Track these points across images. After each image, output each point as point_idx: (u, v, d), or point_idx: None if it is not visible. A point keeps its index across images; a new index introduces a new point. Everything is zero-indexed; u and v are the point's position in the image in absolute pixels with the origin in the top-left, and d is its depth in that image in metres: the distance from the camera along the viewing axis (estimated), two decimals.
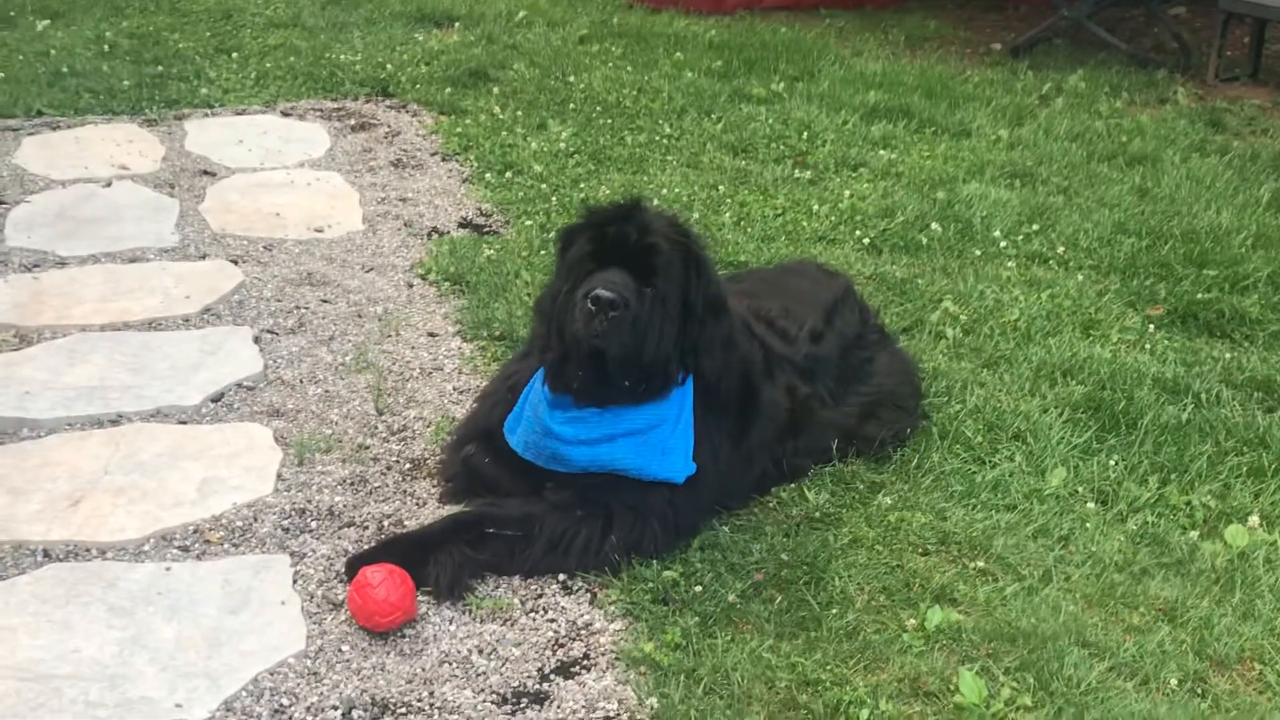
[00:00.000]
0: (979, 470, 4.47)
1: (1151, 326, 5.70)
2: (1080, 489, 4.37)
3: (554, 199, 6.89)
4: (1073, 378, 5.13)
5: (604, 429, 3.86)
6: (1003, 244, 6.47)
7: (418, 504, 4.18)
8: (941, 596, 3.74)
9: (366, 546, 3.89)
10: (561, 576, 3.84)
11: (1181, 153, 7.92)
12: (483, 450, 4.16)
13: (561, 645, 3.57)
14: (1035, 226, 6.72)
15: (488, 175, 7.26)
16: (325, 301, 5.60)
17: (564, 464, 3.92)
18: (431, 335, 5.36)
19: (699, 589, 3.74)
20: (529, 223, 6.56)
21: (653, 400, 3.85)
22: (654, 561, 3.83)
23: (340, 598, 3.65)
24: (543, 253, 6.14)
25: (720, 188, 7.15)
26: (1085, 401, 4.92)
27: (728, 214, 6.77)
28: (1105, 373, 5.13)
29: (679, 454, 3.87)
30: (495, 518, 3.86)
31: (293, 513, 4.04)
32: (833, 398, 4.43)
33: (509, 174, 7.26)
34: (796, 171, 7.49)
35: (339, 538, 3.95)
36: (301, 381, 4.87)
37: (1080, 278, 6.16)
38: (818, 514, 4.15)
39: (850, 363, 4.56)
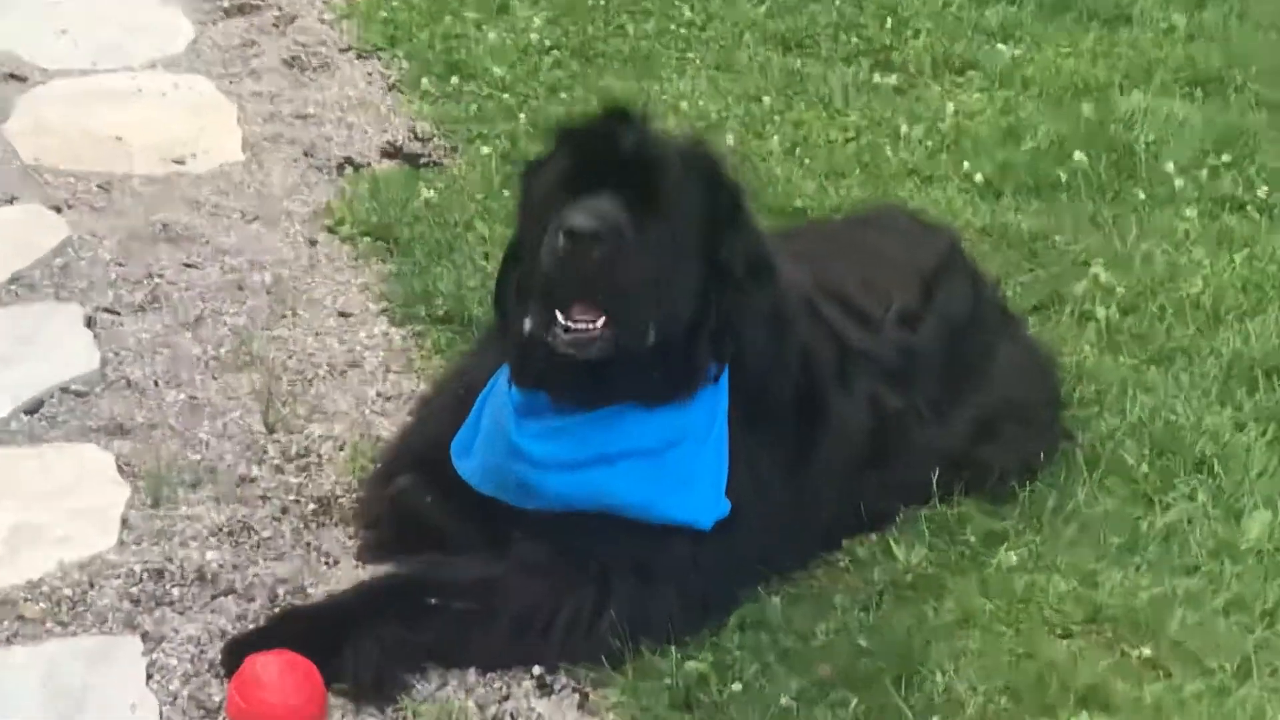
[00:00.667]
0: (1145, 515, 4.51)
1: None
2: None
3: (522, 116, 6.94)
4: None
5: (595, 445, 3.89)
6: (1179, 183, 6.52)
7: (326, 562, 4.21)
8: (1090, 699, 3.76)
9: (253, 624, 3.90)
10: (536, 669, 3.86)
11: None
12: (421, 484, 4.20)
13: None
14: (1226, 157, 6.76)
15: (425, 81, 7.27)
16: (189, 266, 5.63)
17: (536, 497, 3.95)
18: (344, 316, 5.40)
19: (737, 688, 3.76)
20: (485, 150, 6.61)
21: (669, 402, 3.89)
22: (671, 647, 3.85)
23: (216, 700, 3.68)
24: (506, 194, 6.16)
25: (765, 100, 7.18)
26: None
27: (775, 138, 6.82)
28: None
29: (706, 486, 3.90)
30: (440, 583, 3.89)
31: (145, 576, 4.06)
32: (934, 410, 4.46)
33: (456, 80, 7.28)
34: (876, 75, 7.52)
35: (213, 611, 3.97)
36: (156, 384, 4.90)
37: None
38: (910, 578, 4.19)
39: (960, 358, 4.59)
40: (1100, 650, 3.97)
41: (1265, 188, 6.51)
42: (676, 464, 3.87)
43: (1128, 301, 5.62)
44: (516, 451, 3.93)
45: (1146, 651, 3.94)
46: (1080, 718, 3.66)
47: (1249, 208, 6.42)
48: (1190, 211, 6.31)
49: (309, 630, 3.76)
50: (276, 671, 3.52)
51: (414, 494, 4.19)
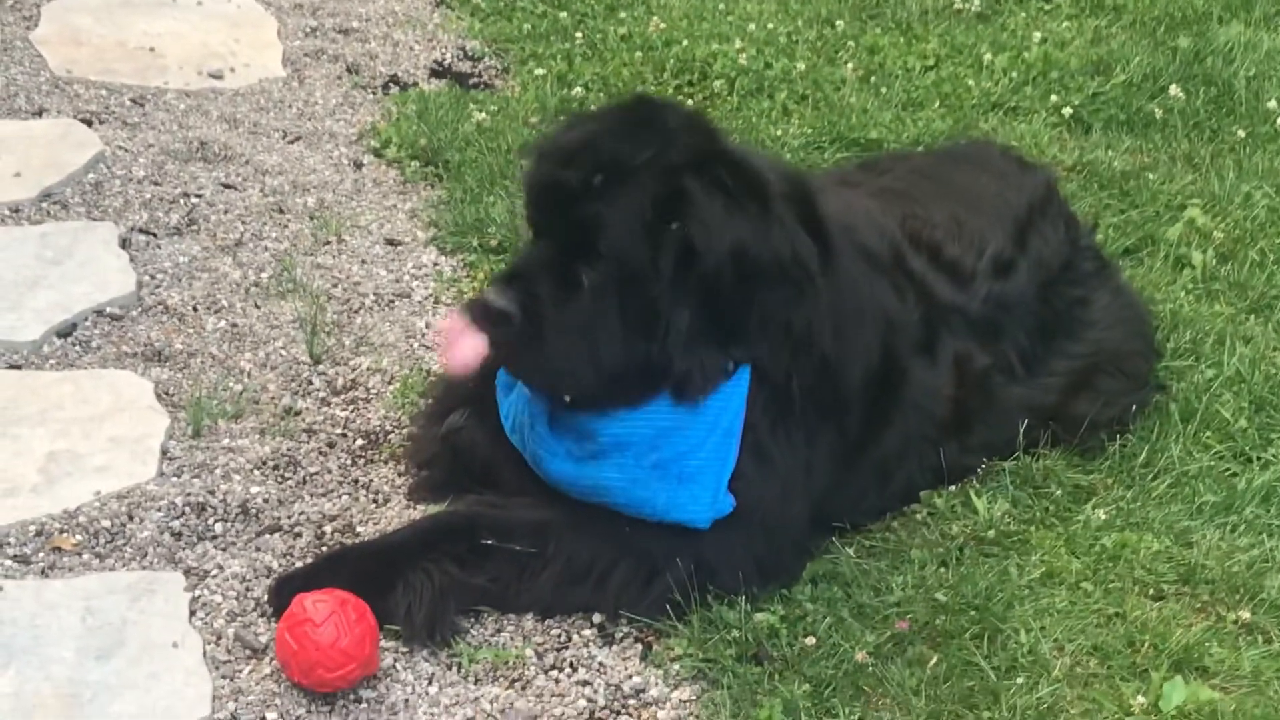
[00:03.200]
0: (1242, 471, 4.53)
1: None
2: None
3: (579, 35, 6.98)
4: None
5: (591, 439, 3.94)
6: None
7: (375, 500, 4.27)
8: (1185, 663, 3.79)
9: (301, 563, 3.96)
10: (597, 617, 3.92)
11: None
12: (475, 423, 4.24)
13: None
14: None
15: None
16: (228, 187, 5.69)
17: (543, 474, 4.02)
18: (392, 244, 5.45)
19: (810, 641, 3.80)
20: (539, 72, 6.66)
21: (670, 404, 3.91)
22: (740, 599, 3.90)
23: (263, 639, 3.74)
24: (561, 119, 6.17)
25: (838, 24, 7.21)
26: None
27: (849, 65, 6.84)
28: None
29: (706, 483, 3.90)
30: (496, 524, 3.94)
31: (187, 509, 4.13)
32: (1025, 363, 4.50)
33: None
34: (958, 1, 7.50)
35: (257, 549, 4.04)
36: (195, 309, 4.97)
37: None
38: (992, 533, 4.22)
39: (1054, 307, 4.62)
40: (1194, 613, 4.00)
41: None
42: (671, 460, 3.88)
43: (1225, 246, 5.63)
44: (533, 424, 4.00)
45: (1244, 615, 3.97)
46: (1174, 682, 3.67)
47: None
48: None
49: (360, 569, 3.82)
50: (328, 611, 3.55)
51: (467, 434, 4.23)
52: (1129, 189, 5.96)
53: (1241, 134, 6.44)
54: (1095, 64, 6.95)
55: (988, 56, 6.93)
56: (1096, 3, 7.58)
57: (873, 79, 6.75)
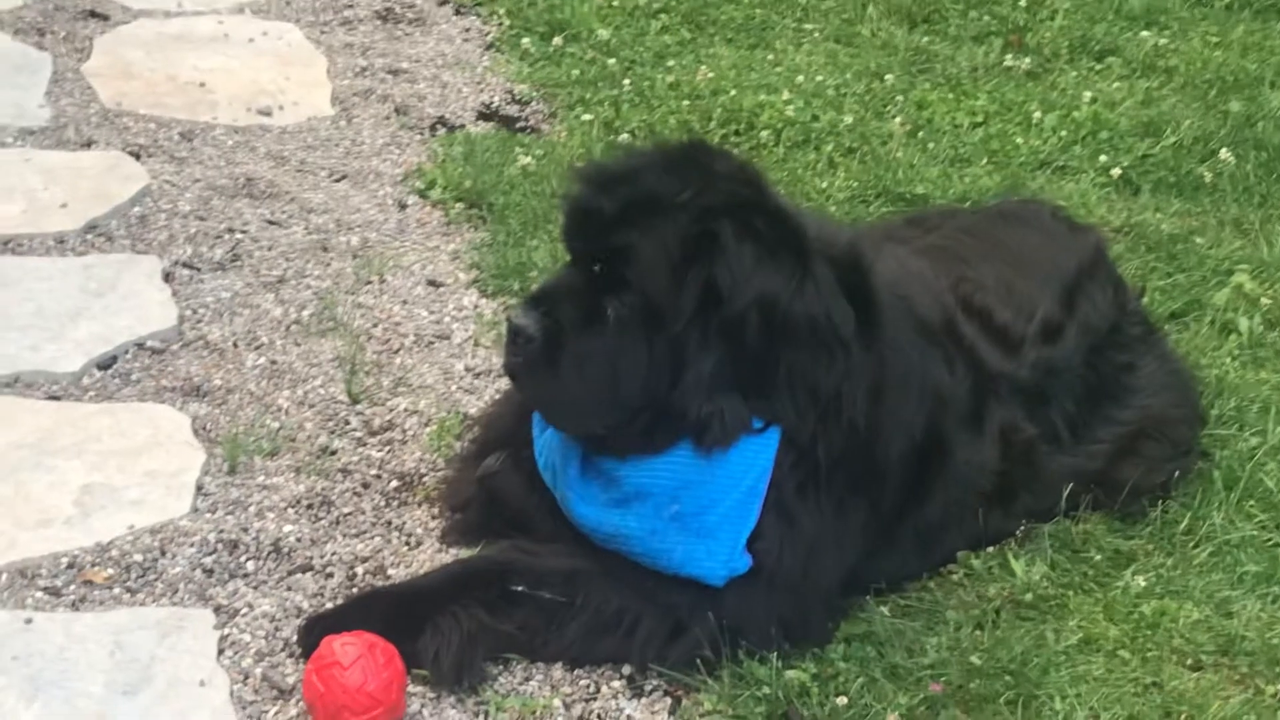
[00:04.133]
0: None
1: None
2: None
3: (626, 82, 6.99)
4: None
5: (614, 486, 3.92)
6: None
7: (408, 543, 4.26)
8: None
9: (332, 603, 3.95)
10: (626, 669, 3.89)
11: None
12: (510, 466, 4.23)
13: None
14: None
15: (525, 41, 7.37)
16: (272, 223, 5.70)
17: (570, 516, 4.00)
18: (434, 285, 5.45)
19: (841, 702, 3.77)
20: (587, 117, 6.67)
21: (684, 454, 3.88)
22: (772, 655, 3.86)
23: (291, 680, 3.72)
24: (612, 150, 6.19)
25: (888, 78, 7.20)
26: None
27: (897, 119, 6.81)
28: None
29: (724, 540, 3.85)
30: (527, 571, 3.92)
31: (219, 546, 4.12)
32: (1071, 429, 4.47)
33: (558, 40, 7.36)
34: (1009, 58, 7.53)
35: (289, 588, 4.03)
36: (235, 345, 4.97)
37: None
38: (1029, 596, 4.18)
39: (1100, 373, 4.59)
40: (1231, 684, 3.95)
41: None
42: (690, 514, 3.85)
43: (1274, 313, 5.58)
44: (564, 467, 3.99)
45: None
46: None
47: None
48: None
49: (389, 611, 3.80)
50: (357, 654, 3.54)
51: (504, 478, 4.22)
52: (1176, 252, 5.92)
53: None
54: (1145, 125, 6.92)
55: (1037, 114, 6.91)
56: (1149, 64, 7.55)
57: (920, 134, 6.73)
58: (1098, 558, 4.36)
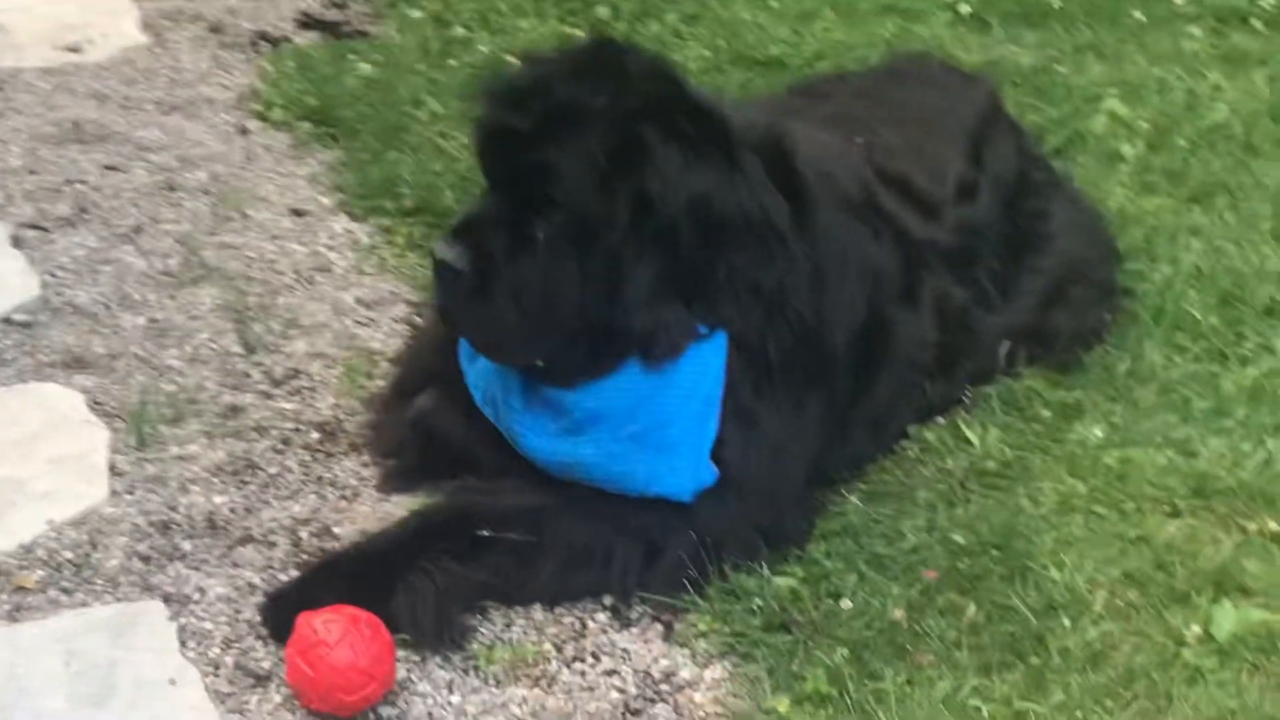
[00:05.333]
0: (1222, 371, 4.47)
1: None
2: None
3: None
4: None
5: (565, 413, 3.79)
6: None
7: (345, 497, 4.06)
8: (1224, 583, 3.73)
9: (284, 574, 3.76)
10: (608, 599, 3.77)
11: None
12: (445, 404, 4.05)
13: (636, 714, 3.50)
14: None
15: None
16: (111, 169, 5.41)
17: (521, 450, 3.85)
18: (298, 214, 5.22)
19: (846, 605, 3.68)
20: (415, 14, 6.44)
21: (632, 371, 3.75)
22: (756, 564, 3.76)
23: (267, 665, 3.52)
24: (451, 61, 5.98)
25: None
26: None
27: None
28: None
29: (686, 453, 3.75)
30: (489, 513, 3.76)
31: (151, 530, 3.88)
32: (998, 285, 4.41)
33: None
34: None
35: (234, 564, 3.81)
36: (108, 307, 4.69)
37: None
38: (991, 464, 4.12)
39: (1017, 224, 4.53)
40: (1216, 528, 3.94)
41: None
42: (649, 432, 3.73)
43: (1153, 136, 5.57)
44: (506, 397, 3.84)
45: (1270, 524, 3.91)
46: (1222, 607, 3.60)
47: (1256, 21, 6.41)
48: (1195, 30, 6.28)
49: (355, 577, 3.62)
50: (342, 631, 3.35)
51: (436, 415, 4.04)
52: (1042, 85, 5.91)
53: (1140, 16, 6.40)
54: None
55: None
56: None
57: None
58: (1046, 414, 4.32)
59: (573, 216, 3.62)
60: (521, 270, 3.66)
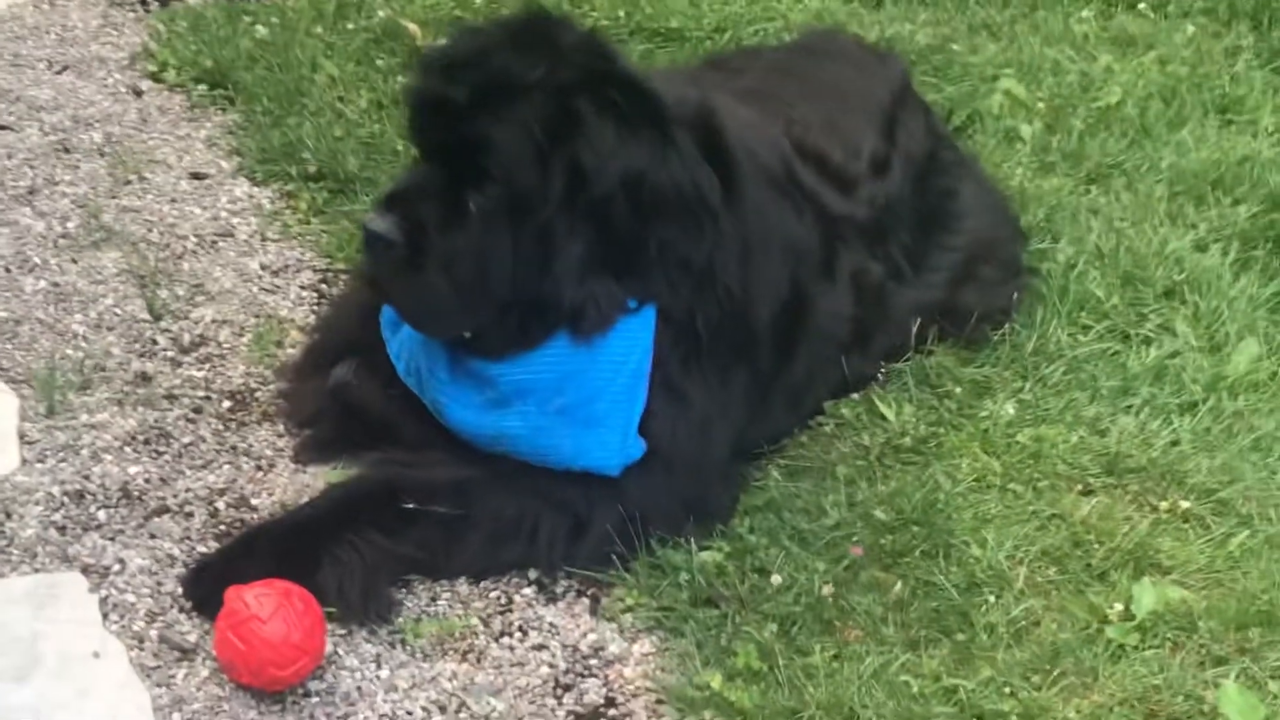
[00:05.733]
0: (1125, 350, 4.53)
1: None
2: None
3: None
4: (1227, 192, 5.24)
5: (491, 386, 3.77)
6: None
7: (260, 467, 4.01)
8: (1141, 561, 3.79)
9: (202, 545, 3.72)
10: (533, 573, 3.75)
11: None
12: (365, 374, 4.02)
13: (567, 689, 3.50)
14: None
15: None
16: (3, 128, 5.28)
17: (445, 422, 3.83)
18: (197, 178, 5.14)
19: (777, 580, 3.69)
20: None
21: (559, 345, 3.75)
22: (686, 540, 3.76)
23: (193, 638, 3.47)
24: (349, 25, 5.91)
25: None
26: (1256, 230, 5.06)
27: None
28: (1275, 181, 5.27)
29: (613, 428, 3.75)
30: (415, 485, 3.73)
31: (65, 500, 3.81)
32: (910, 261, 4.44)
33: None
34: None
35: (151, 535, 3.75)
36: (8, 270, 4.58)
37: (1191, 29, 6.31)
38: (907, 440, 4.15)
39: (928, 201, 4.56)
40: (1129, 506, 4.00)
41: None
42: (576, 405, 3.73)
43: (1049, 116, 5.62)
44: (431, 367, 3.82)
45: (1182, 503, 3.98)
46: (1142, 584, 3.66)
47: (1142, 5, 6.47)
48: (1086, 13, 6.35)
49: (279, 548, 3.58)
50: (275, 605, 3.31)
51: (355, 385, 4.00)
52: (938, 64, 5.92)
53: None
54: None
55: None
56: None
57: None
58: (957, 390, 4.36)
59: (507, 189, 3.60)
60: (454, 242, 3.64)
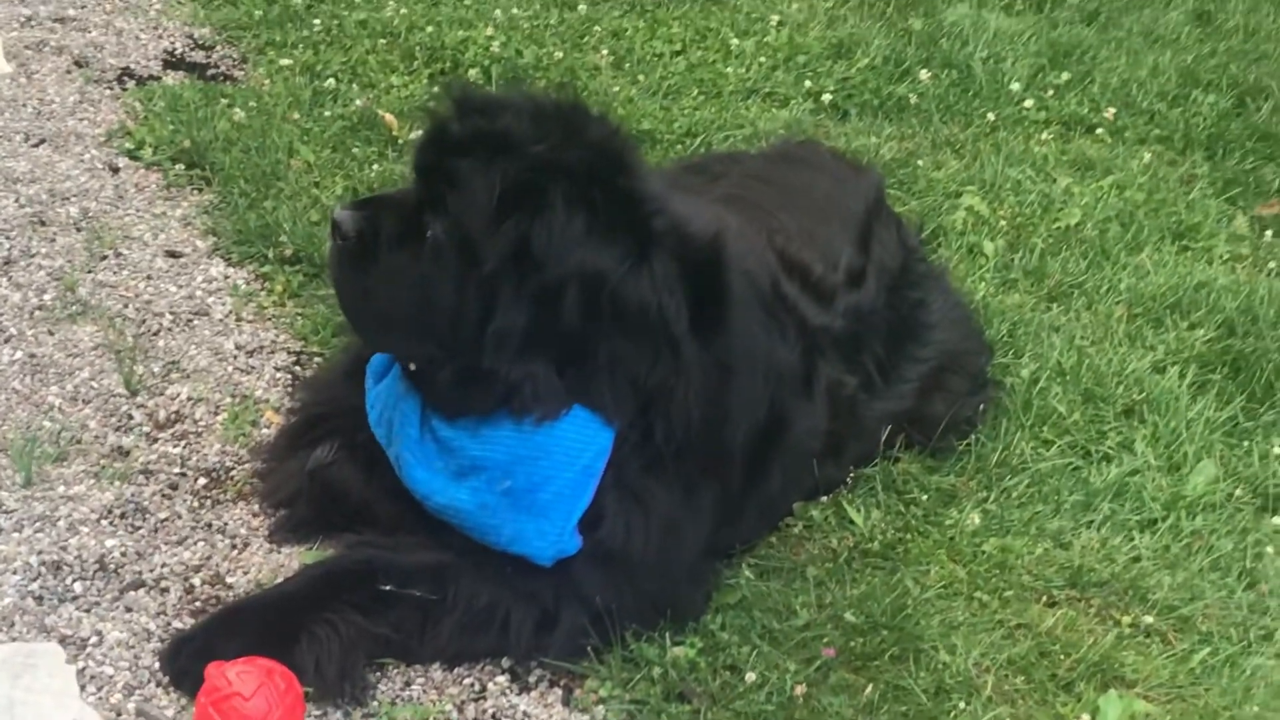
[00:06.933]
0: (1085, 466, 4.61)
1: (1268, 232, 5.98)
2: (1239, 491, 4.57)
3: (316, 22, 6.71)
4: (1184, 316, 5.34)
5: (449, 456, 3.79)
6: (1027, 103, 6.68)
7: (235, 545, 4.02)
8: (1106, 673, 3.84)
9: (178, 620, 3.73)
10: (506, 662, 3.77)
11: None
12: (344, 456, 4.03)
13: None
14: (1064, 75, 6.98)
15: None
16: None
17: (404, 479, 3.85)
18: (173, 256, 5.16)
19: (751, 678, 3.70)
20: (284, 62, 6.41)
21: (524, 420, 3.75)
22: (659, 635, 3.79)
23: (170, 713, 3.47)
24: (325, 112, 5.97)
25: (580, 7, 7.10)
26: (1213, 354, 5.15)
27: (602, 51, 6.73)
28: (1230, 307, 5.37)
29: (555, 519, 3.73)
30: (393, 567, 3.74)
31: (43, 569, 3.81)
32: (881, 372, 4.49)
33: None
34: None
35: (127, 608, 3.75)
36: None
37: (1147, 156, 6.45)
38: (874, 544, 4.20)
39: (900, 312, 4.62)
40: (1092, 619, 4.05)
41: (1112, 109, 6.73)
42: (522, 491, 3.73)
43: (1010, 234, 5.73)
44: (401, 426, 3.84)
45: (1145, 617, 4.04)
46: (1108, 697, 3.70)
47: (1100, 130, 6.64)
48: (1046, 135, 6.49)
49: (258, 624, 3.59)
50: (257, 683, 3.32)
51: (336, 467, 4.02)
52: (903, 177, 6.02)
53: (991, 117, 6.58)
54: (836, 48, 7.02)
55: (734, 41, 6.92)
56: None
57: (626, 65, 6.67)
58: (923, 497, 4.41)
59: (460, 230, 3.66)
60: (400, 258, 3.72)
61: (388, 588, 3.70)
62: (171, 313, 4.86)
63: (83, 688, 3.51)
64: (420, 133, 3.87)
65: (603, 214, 3.66)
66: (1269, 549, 4.35)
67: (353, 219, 3.74)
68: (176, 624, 3.72)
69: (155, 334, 4.75)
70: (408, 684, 3.68)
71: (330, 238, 3.80)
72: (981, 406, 4.69)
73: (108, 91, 6.09)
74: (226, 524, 4.07)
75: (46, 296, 4.82)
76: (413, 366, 3.81)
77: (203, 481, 4.20)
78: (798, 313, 4.26)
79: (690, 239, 3.83)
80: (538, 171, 3.64)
